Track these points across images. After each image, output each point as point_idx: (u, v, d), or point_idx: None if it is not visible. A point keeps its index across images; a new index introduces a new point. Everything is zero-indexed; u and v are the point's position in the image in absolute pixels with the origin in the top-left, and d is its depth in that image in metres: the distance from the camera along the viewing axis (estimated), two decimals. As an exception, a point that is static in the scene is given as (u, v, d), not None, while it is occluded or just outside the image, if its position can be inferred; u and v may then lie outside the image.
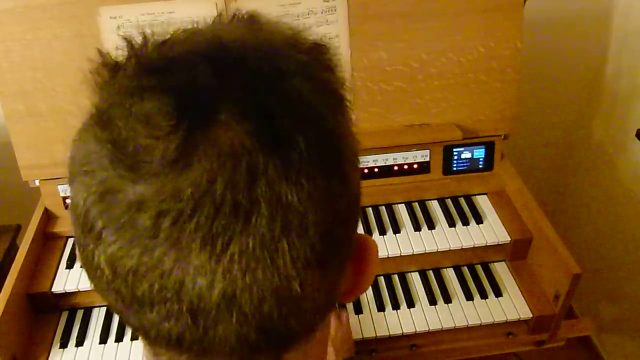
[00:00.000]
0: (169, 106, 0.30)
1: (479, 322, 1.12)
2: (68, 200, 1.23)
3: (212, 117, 0.30)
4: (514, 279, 1.20)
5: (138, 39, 0.34)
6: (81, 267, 0.35)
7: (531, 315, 1.12)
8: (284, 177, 0.30)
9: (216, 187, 0.29)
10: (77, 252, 0.35)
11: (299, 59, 0.35)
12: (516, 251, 1.22)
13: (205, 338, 0.33)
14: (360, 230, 1.23)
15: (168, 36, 0.35)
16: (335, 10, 1.17)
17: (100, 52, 0.35)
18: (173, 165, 0.29)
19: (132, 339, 1.11)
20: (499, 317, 1.13)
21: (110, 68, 0.34)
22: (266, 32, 0.36)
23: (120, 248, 0.31)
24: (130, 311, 0.33)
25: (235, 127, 0.30)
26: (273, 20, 0.37)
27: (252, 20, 0.37)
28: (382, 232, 1.21)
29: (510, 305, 1.15)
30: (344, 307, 1.11)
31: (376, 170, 1.28)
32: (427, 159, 1.29)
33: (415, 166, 1.29)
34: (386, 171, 1.29)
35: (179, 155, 0.29)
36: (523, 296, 1.16)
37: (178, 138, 0.29)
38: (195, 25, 0.36)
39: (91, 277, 0.34)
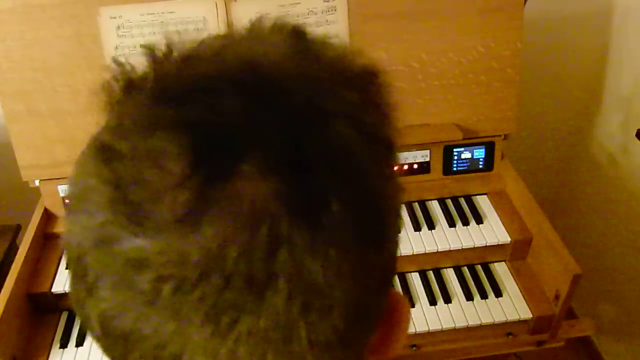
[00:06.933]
0: (183, 147, 0.25)
1: (479, 322, 1.12)
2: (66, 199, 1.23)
3: (234, 167, 0.25)
4: (514, 279, 1.20)
5: (161, 47, 0.30)
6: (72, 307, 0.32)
7: (531, 316, 1.12)
8: (310, 248, 0.26)
9: (228, 255, 0.25)
10: (69, 287, 0.31)
11: (347, 96, 0.30)
12: (516, 251, 1.22)
13: None
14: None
15: (194, 46, 0.30)
16: (335, 10, 1.17)
17: (115, 61, 0.30)
18: (181, 223, 0.25)
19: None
20: (499, 318, 1.13)
21: (124, 85, 0.30)
22: (311, 57, 0.31)
23: (113, 307, 0.27)
24: None
25: (259, 182, 0.25)
26: (319, 39, 0.32)
27: (296, 36, 0.31)
28: (382, 232, 1.21)
29: (510, 306, 1.15)
30: None
31: (376, 170, 1.28)
32: (427, 159, 1.29)
33: (415, 166, 1.29)
34: (386, 171, 1.28)
35: (189, 211, 0.25)
36: (523, 296, 1.16)
37: (190, 189, 0.25)
38: (227, 32, 0.32)
39: (82, 322, 0.32)
